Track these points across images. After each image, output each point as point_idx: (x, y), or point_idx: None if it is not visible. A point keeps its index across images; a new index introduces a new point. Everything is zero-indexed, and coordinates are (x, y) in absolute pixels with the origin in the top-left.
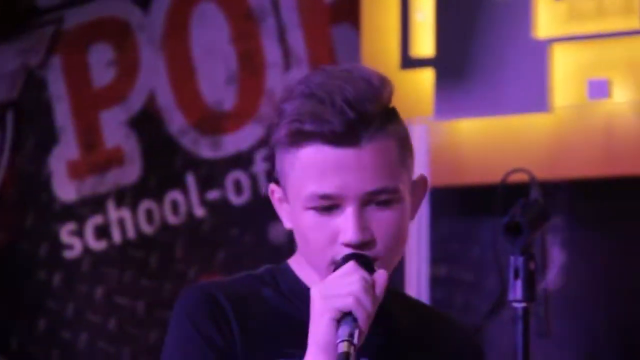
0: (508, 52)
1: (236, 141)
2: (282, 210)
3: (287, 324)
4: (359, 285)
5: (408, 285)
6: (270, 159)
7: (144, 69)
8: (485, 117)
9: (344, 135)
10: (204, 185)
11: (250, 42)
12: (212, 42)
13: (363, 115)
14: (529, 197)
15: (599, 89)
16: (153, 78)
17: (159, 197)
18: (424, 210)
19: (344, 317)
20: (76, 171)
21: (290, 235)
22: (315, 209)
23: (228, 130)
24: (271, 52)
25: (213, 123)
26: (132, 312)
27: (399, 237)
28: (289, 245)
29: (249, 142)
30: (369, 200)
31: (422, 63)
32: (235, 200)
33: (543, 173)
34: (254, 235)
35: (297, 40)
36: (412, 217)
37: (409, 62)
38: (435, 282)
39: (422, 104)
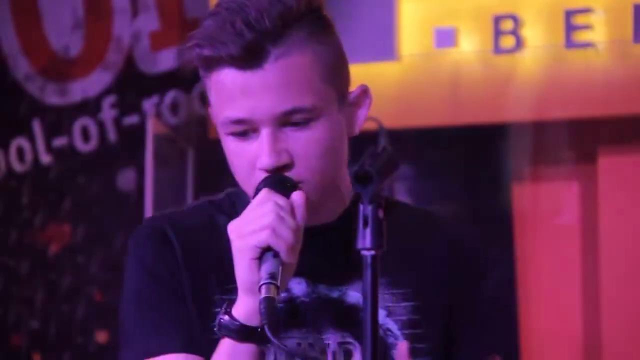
0: (356, 1)
1: (83, 88)
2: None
3: None
4: (272, 216)
5: None
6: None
7: None
8: None
9: (245, 57)
10: (51, 132)
11: None
12: None
13: (263, 34)
14: (378, 146)
15: (446, 37)
16: None
17: (4, 144)
18: None
19: (265, 253)
20: None
21: (138, 182)
22: (232, 134)
23: (75, 76)
24: None
25: (59, 69)
26: None
27: (323, 157)
28: (138, 192)
29: (97, 89)
30: (285, 122)
31: None
32: (83, 147)
33: (391, 121)
34: (101, 183)
35: None
36: (352, 131)
37: None
38: None
39: None
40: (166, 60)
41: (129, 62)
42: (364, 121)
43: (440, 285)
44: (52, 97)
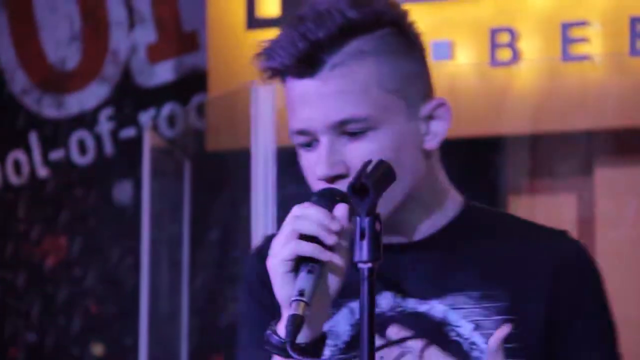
0: None
1: (80, 101)
2: None
3: None
4: (291, 227)
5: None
6: None
7: None
8: None
9: (299, 66)
10: (47, 145)
11: (94, 0)
12: None
13: (317, 44)
14: (371, 160)
15: (442, 50)
16: None
17: (0, 157)
18: (269, 170)
19: (300, 267)
20: None
21: (135, 195)
22: (300, 146)
23: (72, 89)
24: (115, 10)
25: (56, 82)
26: None
27: None
28: (135, 205)
29: (93, 102)
30: (342, 131)
31: (268, 23)
32: (79, 160)
33: None
34: (98, 196)
35: None
36: (431, 144)
37: (255, 22)
38: None
39: None
40: (163, 73)
41: (126, 75)
42: (444, 135)
43: (539, 300)
44: (48, 110)
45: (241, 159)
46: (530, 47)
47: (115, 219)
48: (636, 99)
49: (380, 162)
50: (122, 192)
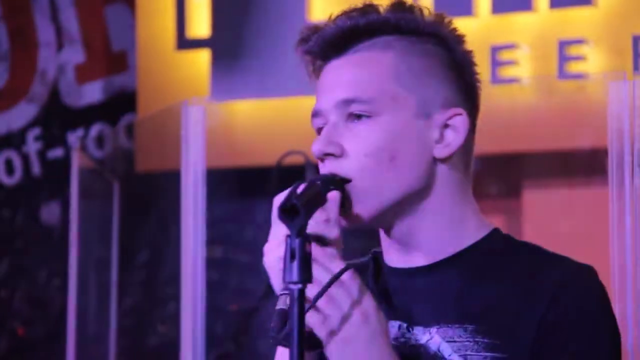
0: (283, 34)
1: (7, 120)
2: None
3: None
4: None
5: (184, 266)
6: None
7: None
8: (261, 99)
9: (325, 49)
10: None
11: (22, 19)
12: None
13: (346, 30)
14: (304, 179)
15: None
16: None
17: None
18: (199, 191)
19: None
20: None
21: (63, 216)
22: (317, 132)
23: None
24: (44, 30)
25: None
26: None
27: (375, 157)
28: (63, 226)
29: (21, 122)
30: (348, 114)
31: (198, 44)
32: (6, 180)
33: None
34: (25, 216)
35: (70, 19)
36: (440, 152)
37: (185, 43)
38: (211, 263)
39: (199, 84)
40: (92, 93)
41: (54, 95)
42: (457, 146)
43: (529, 339)
44: None
45: (171, 180)
46: None
47: (43, 240)
48: (565, 122)
49: (311, 184)
50: (49, 212)
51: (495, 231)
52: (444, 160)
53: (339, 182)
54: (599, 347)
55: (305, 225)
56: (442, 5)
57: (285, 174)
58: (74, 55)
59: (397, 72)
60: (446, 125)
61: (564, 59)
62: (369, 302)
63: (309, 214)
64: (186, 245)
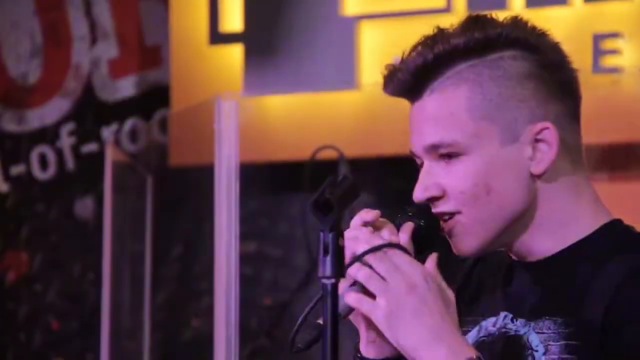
0: (316, 29)
1: (41, 115)
2: None
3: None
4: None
5: (217, 261)
6: None
7: None
8: (294, 94)
9: (404, 95)
10: (8, 160)
11: (55, 14)
12: (16, 13)
13: (415, 72)
14: (338, 174)
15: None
16: None
17: None
18: (232, 185)
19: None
20: None
21: (97, 210)
22: (420, 165)
23: (33, 104)
24: (77, 25)
25: (17, 97)
26: None
27: (471, 193)
28: (96, 220)
29: (55, 117)
30: (438, 155)
31: (231, 39)
32: (40, 175)
33: (351, 150)
34: (59, 211)
35: (103, 13)
36: (535, 168)
37: (218, 37)
38: (245, 258)
39: (232, 79)
40: (125, 88)
41: (88, 90)
42: (551, 159)
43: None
44: (9, 125)
45: (204, 174)
46: None
47: (77, 234)
48: (599, 116)
49: (345, 178)
50: (83, 207)
51: (611, 224)
52: (542, 173)
53: (434, 216)
54: None
55: (339, 219)
56: (476, 1)
57: (318, 168)
58: (108, 50)
59: (473, 107)
60: (537, 140)
61: (598, 52)
62: (418, 275)
63: (342, 209)
64: (219, 239)
